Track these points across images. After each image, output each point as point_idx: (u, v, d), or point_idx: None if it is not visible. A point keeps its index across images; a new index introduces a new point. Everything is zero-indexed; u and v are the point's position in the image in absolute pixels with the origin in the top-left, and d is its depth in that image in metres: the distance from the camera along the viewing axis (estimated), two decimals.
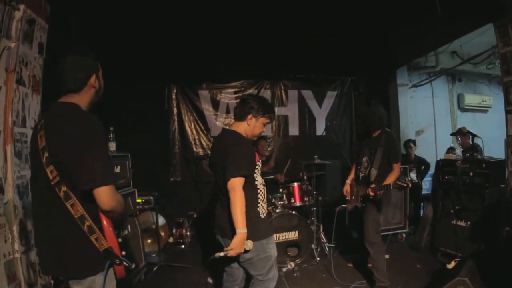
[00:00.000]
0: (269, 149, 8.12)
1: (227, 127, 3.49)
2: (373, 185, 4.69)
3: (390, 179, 4.65)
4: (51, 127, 2.22)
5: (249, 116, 3.40)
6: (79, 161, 2.10)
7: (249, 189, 3.24)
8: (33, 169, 2.40)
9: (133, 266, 2.36)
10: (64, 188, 2.15)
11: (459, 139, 7.18)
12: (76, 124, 2.18)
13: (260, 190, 3.39)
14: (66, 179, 2.15)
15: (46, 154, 2.18)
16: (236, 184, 3.09)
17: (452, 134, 7.37)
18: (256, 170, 3.32)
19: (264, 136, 8.09)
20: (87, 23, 5.31)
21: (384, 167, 4.75)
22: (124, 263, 2.26)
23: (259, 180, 3.38)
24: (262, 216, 3.39)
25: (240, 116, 3.44)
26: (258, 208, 3.36)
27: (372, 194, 4.67)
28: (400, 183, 4.56)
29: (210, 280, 5.46)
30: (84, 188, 2.12)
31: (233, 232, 3.07)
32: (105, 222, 2.25)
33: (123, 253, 2.35)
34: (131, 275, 4.99)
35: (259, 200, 3.37)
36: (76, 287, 2.29)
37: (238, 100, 8.54)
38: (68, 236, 2.21)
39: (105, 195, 2.13)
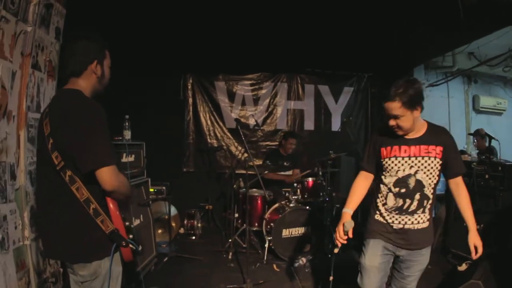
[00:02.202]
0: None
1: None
2: None
3: None
4: (55, 114, 2.28)
5: None
6: (81, 145, 2.16)
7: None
8: (40, 155, 2.45)
9: (140, 248, 2.34)
10: (69, 173, 2.20)
11: (475, 140, 7.07)
12: (76, 110, 2.22)
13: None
14: (70, 164, 2.20)
15: (51, 141, 2.23)
16: None
17: (470, 134, 7.23)
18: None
19: (295, 133, 8.03)
20: (105, 10, 5.25)
21: None
22: (131, 245, 2.32)
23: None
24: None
25: None
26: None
27: None
28: None
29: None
30: (86, 169, 2.16)
31: None
32: (111, 205, 2.31)
33: (131, 236, 2.38)
34: (143, 265, 4.99)
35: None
36: (81, 272, 2.31)
37: (254, 93, 8.66)
38: (74, 219, 2.26)
39: (106, 175, 2.18)
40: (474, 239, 3.01)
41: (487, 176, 5.78)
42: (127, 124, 5.05)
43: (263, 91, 8.84)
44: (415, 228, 3.02)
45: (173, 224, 7.03)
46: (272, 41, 7.11)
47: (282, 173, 7.36)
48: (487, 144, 6.53)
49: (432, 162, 2.96)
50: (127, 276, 2.53)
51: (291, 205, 6.18)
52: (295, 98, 9.06)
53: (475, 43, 7.63)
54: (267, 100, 8.88)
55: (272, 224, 6.06)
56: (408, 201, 3.00)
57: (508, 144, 6.22)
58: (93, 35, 2.46)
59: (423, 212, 3.03)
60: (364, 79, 9.24)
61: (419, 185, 2.98)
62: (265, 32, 6.74)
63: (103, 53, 2.49)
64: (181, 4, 5.73)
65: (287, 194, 6.42)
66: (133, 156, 5.24)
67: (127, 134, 5.07)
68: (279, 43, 7.18)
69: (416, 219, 3.02)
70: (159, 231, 6.56)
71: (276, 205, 6.37)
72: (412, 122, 2.93)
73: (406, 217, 3.02)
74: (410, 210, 3.00)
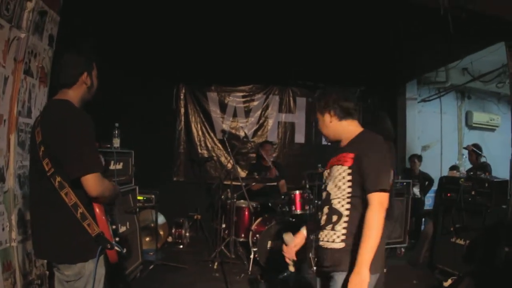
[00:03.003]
0: (274, 154, 8.08)
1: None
2: None
3: None
4: (46, 123, 2.42)
5: None
6: (68, 153, 2.30)
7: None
8: (32, 162, 2.59)
9: (125, 250, 2.46)
10: (58, 179, 2.33)
11: (469, 155, 7.15)
12: (65, 120, 2.36)
13: None
14: (60, 170, 2.33)
15: (42, 148, 2.37)
16: None
17: (465, 148, 7.31)
18: None
19: (269, 141, 8.09)
20: (99, 18, 5.33)
21: None
22: (116, 248, 2.44)
23: None
24: None
25: None
26: None
27: None
28: None
29: None
30: (73, 176, 2.30)
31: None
32: (97, 210, 2.44)
33: (117, 239, 2.54)
34: (127, 272, 5.03)
35: None
36: (66, 272, 2.42)
37: (246, 105, 8.73)
38: (62, 222, 2.37)
39: (91, 182, 2.31)
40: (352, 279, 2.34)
41: (473, 193, 5.78)
42: (116, 132, 5.12)
43: (255, 103, 8.94)
44: (324, 246, 2.62)
45: (161, 233, 7.07)
46: (264, 53, 7.18)
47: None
48: (482, 160, 6.61)
49: (339, 170, 2.61)
50: (114, 279, 2.61)
51: (277, 217, 6.22)
52: (287, 110, 9.16)
53: (468, 58, 7.71)
54: (259, 112, 8.97)
55: (258, 235, 6.08)
56: (319, 214, 2.76)
57: (501, 160, 6.28)
58: (82, 47, 2.70)
59: (333, 229, 2.58)
60: (356, 93, 9.24)
61: (327, 197, 2.67)
62: (258, 44, 6.81)
63: (91, 65, 2.63)
64: (175, 15, 5.79)
65: (273, 206, 6.48)
66: (121, 164, 5.30)
67: (116, 142, 5.13)
68: (271, 55, 7.26)
69: (326, 235, 2.62)
70: (147, 239, 6.60)
71: (260, 219, 6.43)
72: (328, 129, 2.78)
73: (320, 232, 2.69)
74: (321, 224, 2.69)
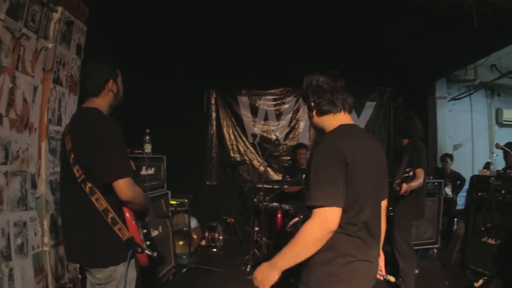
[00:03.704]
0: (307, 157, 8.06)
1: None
2: (397, 181, 4.57)
3: (412, 183, 4.58)
4: (75, 131, 2.48)
5: None
6: (98, 159, 2.34)
7: None
8: (62, 168, 2.62)
9: (155, 254, 2.50)
10: (89, 185, 2.39)
11: (504, 154, 6.98)
12: (94, 127, 2.42)
13: None
14: (90, 177, 2.38)
15: (72, 155, 2.42)
16: None
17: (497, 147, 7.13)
18: None
19: (303, 144, 8.06)
20: (128, 27, 5.43)
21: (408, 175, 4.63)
22: (146, 251, 2.49)
23: None
24: None
25: None
26: None
27: (396, 187, 4.55)
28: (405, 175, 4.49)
29: None
30: (103, 181, 2.35)
31: None
32: (127, 214, 2.49)
33: (148, 243, 2.58)
34: (160, 275, 5.10)
35: None
36: (98, 275, 2.47)
37: (277, 108, 8.74)
38: (93, 227, 2.43)
39: (123, 187, 2.35)
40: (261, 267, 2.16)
41: (503, 191, 5.66)
42: (147, 138, 5.21)
43: (286, 106, 8.92)
44: None
45: (194, 236, 7.14)
46: (294, 56, 7.16)
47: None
48: None
49: None
50: (147, 282, 2.67)
51: None
52: None
53: (496, 54, 7.56)
54: (290, 115, 8.94)
55: (290, 237, 6.04)
56: None
57: None
58: (104, 56, 2.73)
59: None
60: (387, 93, 9.14)
61: None
62: (288, 47, 6.81)
63: (115, 71, 2.70)
64: (204, 22, 5.86)
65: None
66: (153, 169, 5.38)
67: (147, 148, 5.22)
68: (301, 57, 7.23)
69: None
70: (180, 242, 6.67)
71: (296, 219, 6.40)
72: (312, 122, 2.44)
73: None
74: None
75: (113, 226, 2.40)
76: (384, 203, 2.44)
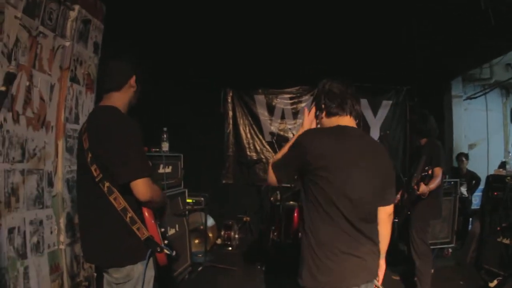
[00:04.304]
0: None
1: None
2: (415, 180, 4.60)
3: (431, 183, 4.57)
4: (93, 130, 2.44)
5: None
6: (117, 159, 2.32)
7: None
8: (80, 167, 2.61)
9: (174, 253, 2.48)
10: (107, 184, 2.36)
11: None
12: (111, 126, 2.40)
13: None
14: (108, 176, 2.36)
15: (90, 155, 2.40)
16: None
17: None
18: None
19: None
20: (144, 25, 5.43)
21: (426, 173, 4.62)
22: (165, 250, 2.46)
23: None
24: None
25: None
26: None
27: (414, 187, 4.57)
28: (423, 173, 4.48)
29: None
30: (121, 181, 2.32)
31: None
32: (146, 214, 2.47)
33: (166, 242, 2.54)
34: (176, 274, 5.11)
35: None
36: (115, 275, 2.45)
37: (293, 106, 8.69)
38: (111, 227, 2.40)
39: (141, 187, 2.32)
40: None
41: None
42: (165, 136, 5.22)
43: (302, 105, 8.85)
44: None
45: (210, 235, 7.13)
46: (311, 54, 7.14)
47: None
48: None
49: None
50: (163, 281, 2.65)
51: None
52: None
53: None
54: None
55: None
56: None
57: None
58: (126, 55, 2.69)
59: None
60: (403, 92, 9.08)
61: None
62: (305, 46, 6.79)
63: (138, 69, 2.68)
64: (220, 21, 5.85)
65: None
66: (170, 167, 5.37)
67: (165, 146, 5.23)
68: (318, 56, 7.20)
69: None
70: (196, 241, 6.67)
71: None
72: (320, 122, 2.63)
73: None
74: None
75: (132, 225, 2.37)
76: (386, 209, 2.52)
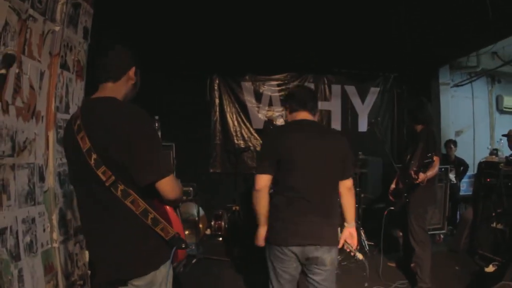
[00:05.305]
0: None
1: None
2: (414, 168, 4.56)
3: (429, 171, 4.59)
4: (95, 126, 2.11)
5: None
6: (136, 157, 2.05)
7: None
8: (77, 172, 2.26)
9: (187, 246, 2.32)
10: (121, 187, 2.07)
11: (509, 141, 6.93)
12: (123, 119, 2.09)
13: None
14: (122, 178, 2.07)
15: (94, 156, 2.06)
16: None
17: (504, 135, 7.06)
18: None
19: None
20: (132, 12, 5.25)
21: (423, 160, 4.56)
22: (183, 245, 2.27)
23: None
24: None
25: None
26: None
27: (414, 175, 4.52)
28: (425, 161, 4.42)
29: None
30: (145, 183, 2.08)
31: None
32: (169, 209, 2.29)
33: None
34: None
35: None
36: (136, 282, 2.18)
37: (281, 93, 8.56)
38: (130, 234, 2.15)
39: (169, 186, 2.14)
40: None
41: None
42: (156, 125, 5.00)
43: None
44: None
45: (200, 225, 6.98)
46: (298, 41, 7.11)
47: None
48: None
49: None
50: None
51: None
52: (322, 98, 8.98)
53: (500, 43, 7.56)
54: None
55: None
56: None
57: None
58: (126, 43, 2.39)
59: None
60: (390, 79, 9.25)
61: None
62: (292, 33, 6.75)
63: (138, 60, 2.39)
64: (208, 7, 5.71)
65: None
66: None
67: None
68: (305, 43, 7.17)
69: None
70: (186, 232, 6.50)
71: None
72: (286, 117, 3.39)
73: None
74: None
75: (155, 227, 2.12)
76: (345, 183, 3.14)
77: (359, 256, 3.22)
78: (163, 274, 2.22)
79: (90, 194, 2.18)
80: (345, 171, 3.10)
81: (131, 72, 2.32)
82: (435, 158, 4.54)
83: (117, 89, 2.28)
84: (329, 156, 2.99)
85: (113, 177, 2.06)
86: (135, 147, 2.04)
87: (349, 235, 3.22)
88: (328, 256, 2.95)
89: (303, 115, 3.15)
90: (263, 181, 3.01)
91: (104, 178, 2.05)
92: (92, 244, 2.34)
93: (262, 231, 3.12)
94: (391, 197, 5.27)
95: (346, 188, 3.14)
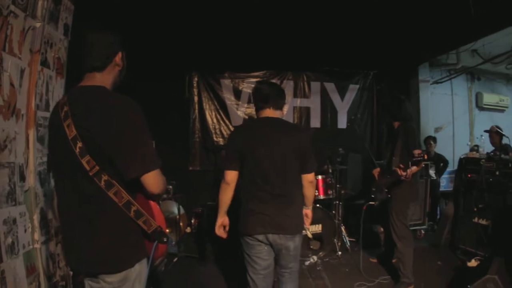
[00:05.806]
0: None
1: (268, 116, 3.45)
2: (401, 165, 4.49)
3: (413, 167, 4.54)
4: (83, 115, 2.03)
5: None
6: (123, 149, 2.00)
7: None
8: (58, 161, 2.18)
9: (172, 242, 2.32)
10: (105, 177, 2.01)
11: (491, 137, 7.03)
12: (111, 110, 2.03)
13: None
14: (106, 168, 2.02)
15: (79, 144, 1.99)
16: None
17: (486, 131, 7.16)
18: None
19: None
20: (111, 8, 5.16)
21: (405, 156, 4.56)
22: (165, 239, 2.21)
23: None
24: None
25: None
26: None
27: (400, 171, 4.46)
28: (416, 158, 4.38)
29: None
30: (131, 176, 2.02)
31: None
32: (152, 203, 2.24)
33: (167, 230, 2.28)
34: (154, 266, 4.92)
35: None
36: (108, 279, 2.10)
37: None
38: (109, 226, 2.07)
39: (153, 180, 2.08)
40: None
41: (497, 173, 5.76)
42: None
43: None
44: None
45: (181, 224, 6.92)
46: (278, 38, 7.04)
47: None
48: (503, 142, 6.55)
49: None
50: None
51: None
52: (301, 95, 8.98)
53: (481, 41, 7.62)
54: None
55: None
56: None
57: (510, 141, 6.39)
58: (111, 29, 2.29)
59: None
60: (370, 76, 9.27)
61: None
62: (271, 30, 6.68)
63: (124, 44, 2.31)
64: (187, 4, 5.64)
65: None
66: None
67: None
68: (285, 40, 7.12)
69: None
70: (167, 230, 6.43)
71: None
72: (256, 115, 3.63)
73: None
74: None
75: (137, 219, 2.06)
76: (307, 177, 3.38)
77: (308, 234, 4.22)
78: (137, 272, 2.15)
79: (71, 183, 2.10)
80: (306, 165, 3.35)
81: (118, 58, 2.26)
82: (415, 152, 4.56)
83: (105, 77, 2.22)
84: (289, 151, 3.24)
85: (97, 167, 2.00)
86: (123, 139, 2.00)
87: (305, 215, 3.54)
88: (291, 243, 3.29)
89: (267, 112, 3.40)
90: (231, 176, 3.31)
91: (88, 168, 2.00)
92: (68, 233, 2.21)
93: (220, 221, 3.53)
94: (374, 189, 5.34)
95: (307, 181, 3.39)
